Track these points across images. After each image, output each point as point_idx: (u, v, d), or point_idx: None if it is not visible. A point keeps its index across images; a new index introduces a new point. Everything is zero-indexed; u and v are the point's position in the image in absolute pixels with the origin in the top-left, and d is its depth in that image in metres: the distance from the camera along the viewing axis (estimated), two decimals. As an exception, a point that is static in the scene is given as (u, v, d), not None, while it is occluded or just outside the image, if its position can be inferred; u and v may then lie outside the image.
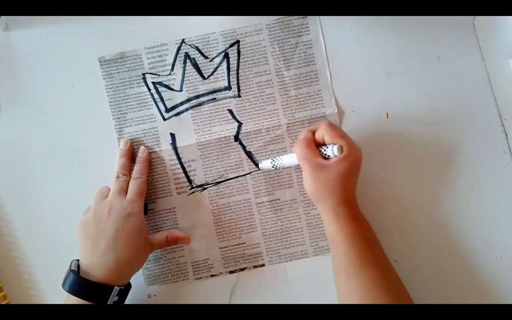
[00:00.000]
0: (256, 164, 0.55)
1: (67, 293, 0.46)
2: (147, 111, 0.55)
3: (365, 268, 0.45)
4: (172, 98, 0.55)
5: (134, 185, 0.51)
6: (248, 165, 0.55)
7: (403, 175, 0.54)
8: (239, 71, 0.55)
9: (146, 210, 0.55)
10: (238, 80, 0.55)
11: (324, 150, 0.47)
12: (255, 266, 0.55)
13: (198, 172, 0.55)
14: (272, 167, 0.53)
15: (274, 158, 0.53)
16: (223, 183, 0.55)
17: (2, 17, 0.55)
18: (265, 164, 0.53)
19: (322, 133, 0.47)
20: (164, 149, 0.55)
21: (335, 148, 0.46)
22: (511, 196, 0.53)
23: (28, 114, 0.55)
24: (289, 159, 0.51)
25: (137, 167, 0.53)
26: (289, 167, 0.54)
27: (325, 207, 0.47)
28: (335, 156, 0.46)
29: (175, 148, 0.55)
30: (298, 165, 0.49)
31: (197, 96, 0.55)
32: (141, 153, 0.54)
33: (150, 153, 0.55)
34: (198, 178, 0.55)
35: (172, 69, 0.55)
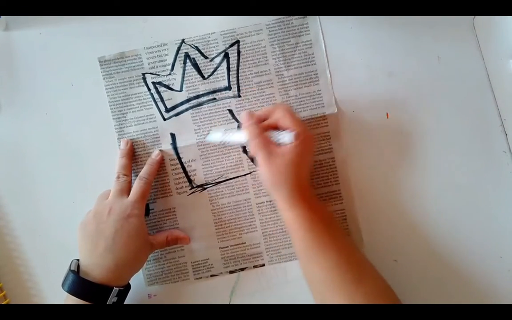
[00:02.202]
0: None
1: (66, 293, 0.46)
2: (147, 111, 0.55)
3: (323, 250, 0.45)
4: (172, 98, 0.55)
5: (139, 186, 0.51)
6: (248, 165, 0.55)
7: (403, 175, 0.54)
8: (239, 71, 0.55)
9: (148, 211, 0.55)
10: (238, 80, 0.55)
11: (278, 136, 0.46)
12: (255, 266, 0.55)
13: (198, 172, 0.55)
14: (220, 142, 0.51)
15: (225, 133, 0.51)
16: (223, 183, 0.55)
17: (2, 17, 0.55)
18: (213, 136, 0.52)
19: (278, 117, 0.47)
20: (164, 149, 0.55)
21: (292, 135, 0.45)
22: (511, 196, 0.53)
23: (28, 114, 0.55)
24: (240, 137, 0.50)
25: (146, 168, 0.52)
26: (236, 146, 0.54)
27: (279, 195, 0.47)
28: (290, 142, 0.45)
29: (175, 148, 0.55)
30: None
31: (197, 96, 0.55)
32: (155, 155, 0.54)
33: (162, 157, 0.55)
34: (198, 178, 0.55)
35: (172, 69, 0.55)
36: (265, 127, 0.48)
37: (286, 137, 0.46)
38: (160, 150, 0.55)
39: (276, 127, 0.48)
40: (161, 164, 0.54)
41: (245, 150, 0.55)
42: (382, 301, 0.44)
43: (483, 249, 0.53)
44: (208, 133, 0.54)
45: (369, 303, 0.43)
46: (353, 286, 0.44)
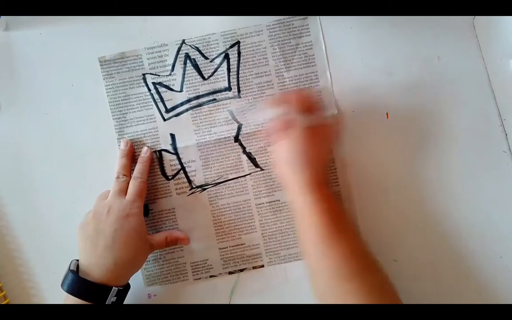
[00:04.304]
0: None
1: (66, 293, 0.46)
2: (147, 111, 0.55)
3: (335, 240, 0.45)
4: (172, 99, 0.55)
5: (133, 185, 0.51)
6: (248, 166, 0.55)
7: (403, 175, 0.54)
8: (239, 72, 0.55)
9: (147, 211, 0.55)
10: (238, 81, 0.55)
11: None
12: (254, 267, 0.55)
13: (198, 173, 0.55)
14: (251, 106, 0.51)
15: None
16: (222, 183, 0.55)
17: (2, 17, 0.55)
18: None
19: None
20: (164, 149, 0.55)
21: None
22: (511, 196, 0.53)
23: (28, 114, 0.55)
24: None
25: (138, 167, 0.53)
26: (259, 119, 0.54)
27: (299, 177, 0.46)
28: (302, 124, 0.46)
29: (175, 148, 0.55)
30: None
31: (197, 97, 0.55)
32: (144, 153, 0.54)
33: (152, 153, 0.55)
34: (198, 178, 0.55)
35: (173, 69, 0.55)
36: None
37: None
38: (148, 147, 0.55)
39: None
40: (152, 160, 0.54)
41: (245, 151, 0.55)
42: (386, 295, 0.44)
43: (483, 249, 0.53)
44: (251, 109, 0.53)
45: (373, 296, 0.43)
46: (360, 277, 0.44)
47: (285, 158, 0.47)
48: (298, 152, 0.46)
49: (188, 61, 0.55)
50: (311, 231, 0.46)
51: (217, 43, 0.55)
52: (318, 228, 0.45)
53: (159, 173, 0.55)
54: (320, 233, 0.45)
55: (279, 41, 0.55)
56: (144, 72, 0.55)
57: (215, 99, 0.55)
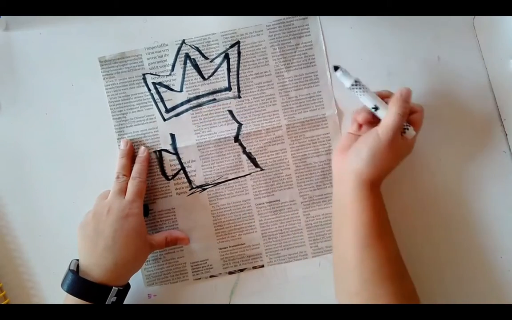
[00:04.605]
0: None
1: (66, 293, 0.46)
2: (147, 111, 0.55)
3: (381, 240, 0.45)
4: (172, 99, 0.55)
5: (132, 185, 0.51)
6: (248, 166, 0.55)
7: (403, 175, 0.54)
8: (239, 72, 0.55)
9: (147, 211, 0.55)
10: (238, 81, 0.55)
11: (407, 127, 0.47)
12: (254, 267, 0.55)
13: (198, 173, 0.55)
14: (351, 86, 0.48)
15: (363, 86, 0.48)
16: (222, 183, 0.55)
17: (2, 17, 0.55)
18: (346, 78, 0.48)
19: (414, 112, 0.48)
20: (164, 149, 0.55)
21: (414, 134, 0.47)
22: (511, 196, 0.53)
23: (28, 114, 0.55)
24: (371, 102, 0.47)
25: (136, 167, 0.53)
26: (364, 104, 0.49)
27: (366, 171, 0.45)
28: (411, 136, 0.47)
29: (175, 148, 0.55)
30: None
31: (197, 97, 0.55)
32: (141, 153, 0.54)
33: (150, 153, 0.55)
34: (198, 178, 0.55)
35: (173, 69, 0.55)
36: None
37: (410, 131, 0.47)
38: (147, 147, 0.55)
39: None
40: (149, 160, 0.54)
41: (245, 151, 0.55)
42: (417, 301, 0.46)
43: (483, 249, 0.53)
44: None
45: (407, 301, 0.44)
46: (396, 283, 0.44)
47: (372, 147, 0.45)
48: (386, 148, 0.45)
49: (188, 61, 0.55)
50: (358, 229, 0.45)
51: (217, 43, 0.55)
52: (366, 227, 0.45)
53: (159, 173, 0.55)
54: (368, 232, 0.45)
55: (279, 41, 0.55)
56: (144, 72, 0.55)
57: (215, 99, 0.55)
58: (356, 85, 0.47)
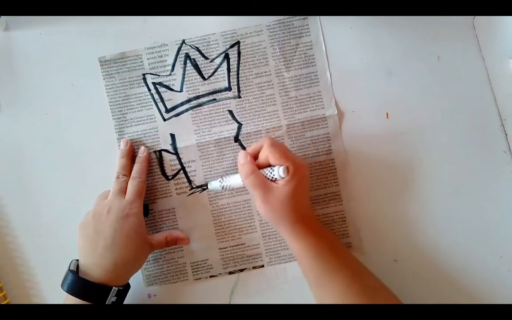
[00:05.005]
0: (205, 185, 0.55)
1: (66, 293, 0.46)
2: (147, 111, 0.55)
3: (333, 275, 0.45)
4: (172, 99, 0.55)
5: (132, 185, 0.51)
6: (248, 166, 0.55)
7: (403, 175, 0.54)
8: (239, 72, 0.55)
9: (147, 211, 0.55)
10: (238, 81, 0.55)
11: (271, 173, 0.46)
12: (254, 267, 0.55)
13: (198, 173, 0.55)
14: (221, 188, 0.52)
15: (222, 179, 0.51)
16: (223, 183, 0.55)
17: (2, 17, 0.55)
18: (214, 185, 0.52)
19: (266, 155, 0.47)
20: (164, 149, 0.55)
21: (281, 170, 0.45)
22: (511, 196, 0.53)
23: (28, 114, 0.55)
24: (237, 180, 0.50)
25: (136, 167, 0.53)
26: (238, 188, 0.54)
27: (282, 229, 0.47)
28: (281, 177, 0.45)
29: (175, 148, 0.55)
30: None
31: (197, 97, 0.55)
32: (141, 153, 0.54)
33: (150, 153, 0.55)
34: (198, 178, 0.55)
35: (173, 69, 0.55)
36: (259, 165, 0.48)
37: (277, 173, 0.46)
38: (146, 147, 0.55)
39: (269, 164, 0.47)
40: (149, 160, 0.54)
41: (244, 150, 0.55)
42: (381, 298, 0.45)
43: (483, 249, 0.53)
44: (209, 181, 0.53)
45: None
46: (371, 298, 0.44)
47: (264, 215, 0.47)
48: (268, 209, 0.46)
49: (188, 61, 0.55)
50: (310, 274, 0.47)
51: (217, 43, 0.55)
52: (315, 270, 0.46)
53: (159, 173, 0.55)
54: (319, 272, 0.46)
55: (279, 41, 0.55)
56: (144, 72, 0.55)
57: (215, 99, 0.55)
58: (222, 184, 0.51)
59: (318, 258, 0.46)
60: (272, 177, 0.46)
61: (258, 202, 0.46)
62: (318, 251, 0.46)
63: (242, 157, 0.48)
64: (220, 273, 0.55)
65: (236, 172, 0.50)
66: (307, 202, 0.49)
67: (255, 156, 0.49)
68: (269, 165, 0.47)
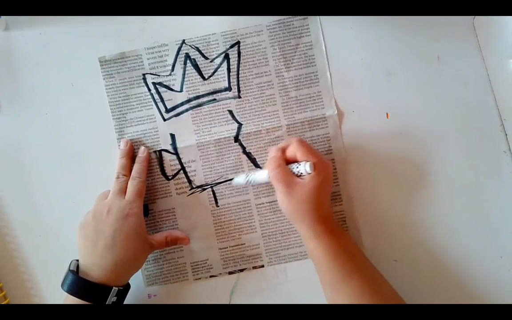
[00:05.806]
0: (231, 178, 0.55)
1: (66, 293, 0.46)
2: (147, 111, 0.55)
3: (348, 279, 0.45)
4: (172, 99, 0.55)
5: (132, 185, 0.51)
6: (248, 166, 0.55)
7: (403, 174, 0.54)
8: (240, 72, 0.55)
9: (147, 211, 0.55)
10: (238, 81, 0.55)
11: (297, 168, 0.47)
12: (254, 267, 0.55)
13: (198, 173, 0.55)
14: (246, 183, 0.52)
15: (248, 174, 0.51)
16: (222, 183, 0.55)
17: (2, 17, 0.55)
18: (238, 180, 0.52)
19: (294, 151, 0.47)
20: (164, 149, 0.55)
21: (308, 165, 0.45)
22: (511, 196, 0.53)
23: (28, 114, 0.55)
24: (262, 175, 0.50)
25: (136, 167, 0.53)
26: (262, 184, 0.54)
27: (302, 225, 0.47)
28: (308, 173, 0.46)
29: (175, 148, 0.55)
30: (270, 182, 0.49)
31: (197, 97, 0.55)
32: (141, 153, 0.54)
33: (150, 153, 0.55)
34: (198, 178, 0.55)
35: (173, 69, 0.55)
36: (287, 160, 0.48)
37: (302, 168, 0.46)
38: (146, 147, 0.55)
39: (295, 160, 0.48)
40: (149, 160, 0.55)
41: (245, 151, 0.55)
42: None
43: (483, 249, 0.53)
44: (235, 175, 0.53)
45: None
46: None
47: (285, 209, 0.48)
48: (291, 203, 0.46)
49: (188, 61, 0.55)
50: (325, 275, 0.47)
51: (217, 43, 0.55)
52: (331, 271, 0.46)
53: (159, 173, 0.55)
54: (334, 274, 0.46)
55: (279, 41, 0.55)
56: (144, 72, 0.55)
57: (215, 99, 0.55)
58: (248, 179, 0.51)
59: (335, 261, 0.46)
60: (298, 172, 0.47)
61: (281, 196, 0.47)
62: (335, 253, 0.46)
63: (273, 150, 0.49)
64: (220, 273, 0.55)
65: (238, 172, 0.49)
66: (328, 201, 0.49)
67: (283, 153, 0.49)
68: (296, 162, 0.47)
